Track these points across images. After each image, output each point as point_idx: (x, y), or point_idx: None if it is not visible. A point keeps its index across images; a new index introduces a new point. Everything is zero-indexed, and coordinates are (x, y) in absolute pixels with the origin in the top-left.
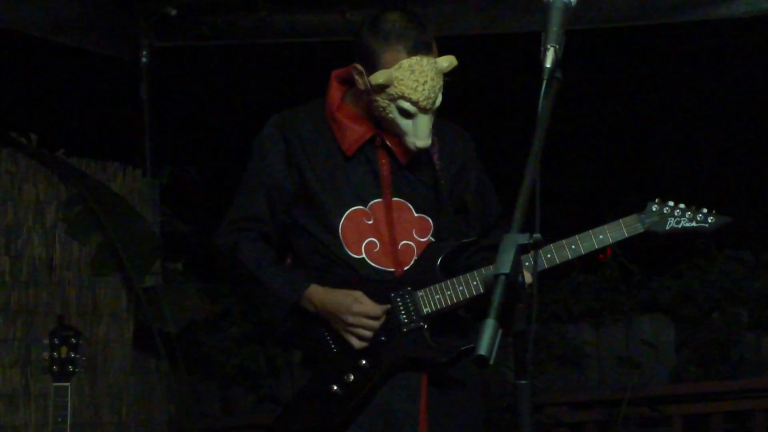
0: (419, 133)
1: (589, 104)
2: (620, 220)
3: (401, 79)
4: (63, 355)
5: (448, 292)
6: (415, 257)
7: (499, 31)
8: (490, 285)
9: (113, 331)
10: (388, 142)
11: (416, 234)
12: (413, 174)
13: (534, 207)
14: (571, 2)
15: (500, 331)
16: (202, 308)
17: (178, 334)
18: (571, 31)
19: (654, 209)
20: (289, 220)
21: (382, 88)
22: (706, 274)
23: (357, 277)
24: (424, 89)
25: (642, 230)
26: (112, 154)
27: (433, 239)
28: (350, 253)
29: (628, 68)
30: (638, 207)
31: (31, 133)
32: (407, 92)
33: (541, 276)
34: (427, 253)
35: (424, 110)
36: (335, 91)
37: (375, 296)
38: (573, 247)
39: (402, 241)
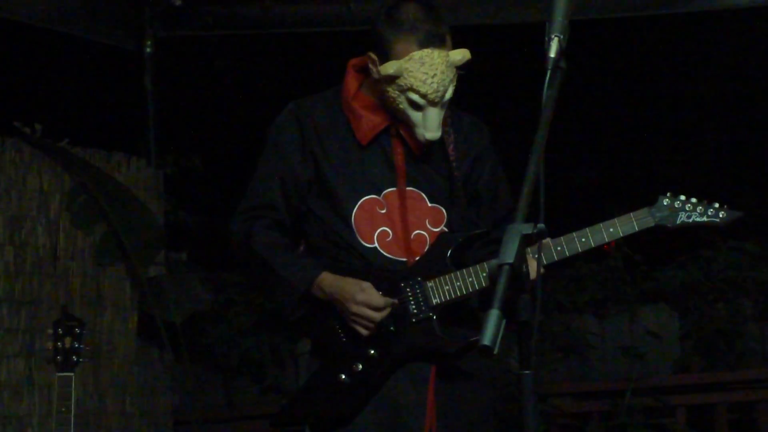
0: (429, 125)
1: (594, 94)
2: (631, 214)
3: (411, 71)
4: (67, 345)
5: (458, 283)
6: (427, 247)
7: (503, 21)
8: (494, 274)
9: (117, 321)
10: (402, 132)
11: (429, 224)
12: (428, 164)
13: (538, 197)
14: None
15: (504, 321)
16: (205, 298)
17: (182, 324)
18: (576, 21)
19: (665, 203)
20: (303, 207)
21: (392, 79)
22: (711, 264)
23: (368, 266)
24: (433, 82)
25: (653, 224)
26: (117, 144)
27: (446, 229)
28: (363, 242)
29: (633, 58)
30: (643, 196)
31: (35, 122)
32: (416, 84)
33: (546, 266)
34: (438, 243)
35: (432, 103)
36: (351, 80)
37: (385, 286)
38: (583, 240)
39: (415, 230)
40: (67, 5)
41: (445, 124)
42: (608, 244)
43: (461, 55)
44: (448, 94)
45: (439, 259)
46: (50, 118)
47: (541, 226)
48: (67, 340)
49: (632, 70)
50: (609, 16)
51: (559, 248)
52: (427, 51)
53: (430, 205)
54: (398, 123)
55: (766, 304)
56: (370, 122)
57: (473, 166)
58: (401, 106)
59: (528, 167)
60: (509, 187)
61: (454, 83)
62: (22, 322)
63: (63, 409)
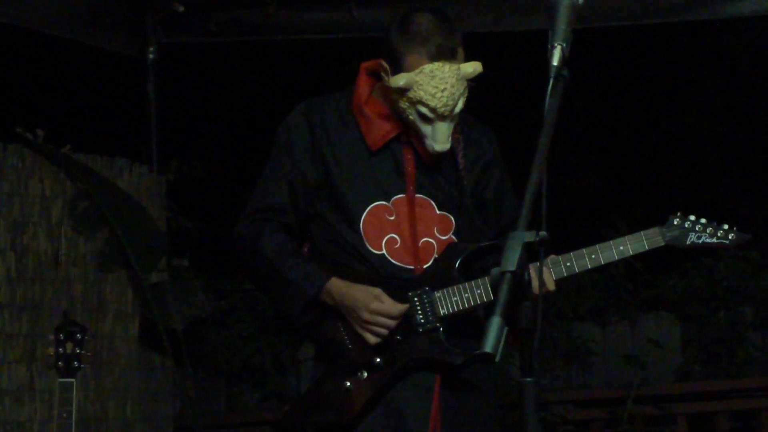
0: (438, 137)
1: (596, 103)
2: (641, 233)
3: (421, 85)
4: (68, 351)
5: (466, 295)
6: (435, 255)
7: (506, 29)
8: (496, 283)
9: (119, 327)
10: (413, 141)
11: (438, 232)
12: (437, 172)
13: (540, 204)
14: (578, 0)
15: (506, 329)
16: (207, 304)
17: (183, 330)
18: (578, 30)
19: (675, 223)
20: (311, 210)
21: (402, 91)
22: (713, 272)
23: (375, 273)
24: (442, 96)
25: (663, 244)
26: (119, 150)
27: (454, 237)
28: (370, 248)
29: (636, 67)
30: (646, 205)
31: (37, 128)
32: (425, 98)
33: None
34: (447, 253)
35: (441, 117)
36: (364, 84)
37: (393, 294)
38: (593, 256)
39: (423, 238)
40: (70, 11)
41: (454, 131)
42: None
43: (473, 68)
44: (458, 108)
45: (447, 270)
46: (52, 123)
47: (543, 233)
48: (69, 346)
49: (634, 78)
50: (611, 24)
51: (568, 264)
52: (437, 64)
53: (438, 212)
54: (409, 131)
55: (767, 312)
56: (381, 129)
57: (482, 175)
58: (411, 118)
59: (530, 175)
60: (515, 196)
61: (465, 96)
62: (24, 328)
63: (64, 415)
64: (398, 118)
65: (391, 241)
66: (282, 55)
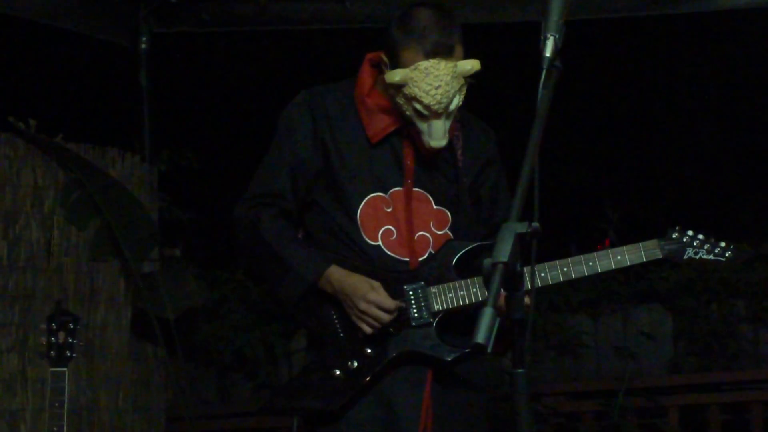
0: (433, 134)
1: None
2: (640, 244)
3: (416, 81)
4: (60, 341)
5: (461, 292)
6: (430, 249)
7: (499, 20)
8: (488, 273)
9: (111, 317)
10: (413, 135)
11: (433, 226)
12: (436, 167)
13: (533, 196)
14: None
15: (498, 320)
16: (199, 295)
17: (175, 320)
18: (571, 21)
19: (674, 236)
20: (309, 198)
21: (398, 86)
22: (704, 265)
23: (370, 264)
24: (436, 93)
25: (660, 256)
26: (111, 139)
27: (450, 233)
28: (367, 239)
29: (629, 58)
30: (638, 197)
31: (30, 118)
32: (420, 95)
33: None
34: (444, 250)
35: (436, 114)
36: (367, 75)
37: (388, 287)
38: (591, 264)
39: (419, 231)
40: (63, 1)
41: (454, 128)
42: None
43: (470, 65)
44: (454, 105)
45: (444, 266)
46: (45, 113)
47: (535, 224)
48: (61, 336)
49: (627, 70)
50: (604, 16)
51: (565, 269)
52: (433, 62)
53: (435, 207)
54: (409, 126)
55: (759, 305)
56: (381, 122)
57: (480, 173)
58: (408, 113)
59: (523, 166)
60: (510, 196)
61: (463, 93)
62: (16, 317)
63: (56, 404)
64: (398, 112)
65: (387, 232)
66: (274, 46)
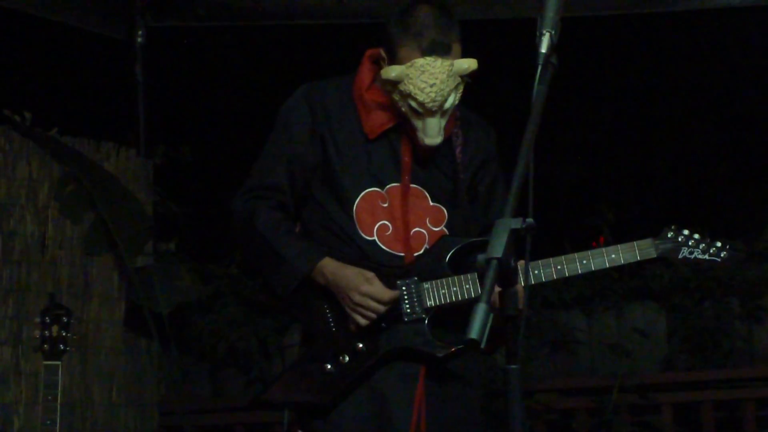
0: (428, 131)
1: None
2: (634, 243)
3: (411, 78)
4: (54, 334)
5: (454, 289)
6: (426, 245)
7: (495, 16)
8: (482, 269)
9: (104, 311)
10: (410, 131)
11: (429, 223)
12: (434, 164)
13: (527, 192)
14: None
15: (492, 316)
16: (193, 289)
17: (169, 314)
18: (567, 18)
19: (669, 236)
20: (306, 192)
21: (394, 83)
22: (699, 264)
23: (365, 259)
24: (431, 91)
25: (655, 255)
26: (106, 133)
27: (446, 230)
28: (362, 234)
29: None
30: (633, 194)
31: (25, 111)
32: (414, 92)
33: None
34: (439, 245)
35: (430, 112)
36: (366, 71)
37: (382, 281)
38: (584, 262)
39: (414, 227)
40: None
41: (454, 126)
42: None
43: (467, 64)
44: (449, 103)
45: (437, 262)
46: (40, 106)
47: (529, 220)
48: (55, 329)
49: (623, 67)
50: (600, 14)
51: (559, 267)
52: (429, 59)
53: (432, 204)
54: (406, 122)
55: (753, 303)
56: (379, 118)
57: (478, 171)
58: (404, 110)
59: (518, 162)
60: (506, 193)
61: (459, 91)
62: (10, 311)
63: (49, 398)
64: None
65: (383, 227)
66: (270, 41)
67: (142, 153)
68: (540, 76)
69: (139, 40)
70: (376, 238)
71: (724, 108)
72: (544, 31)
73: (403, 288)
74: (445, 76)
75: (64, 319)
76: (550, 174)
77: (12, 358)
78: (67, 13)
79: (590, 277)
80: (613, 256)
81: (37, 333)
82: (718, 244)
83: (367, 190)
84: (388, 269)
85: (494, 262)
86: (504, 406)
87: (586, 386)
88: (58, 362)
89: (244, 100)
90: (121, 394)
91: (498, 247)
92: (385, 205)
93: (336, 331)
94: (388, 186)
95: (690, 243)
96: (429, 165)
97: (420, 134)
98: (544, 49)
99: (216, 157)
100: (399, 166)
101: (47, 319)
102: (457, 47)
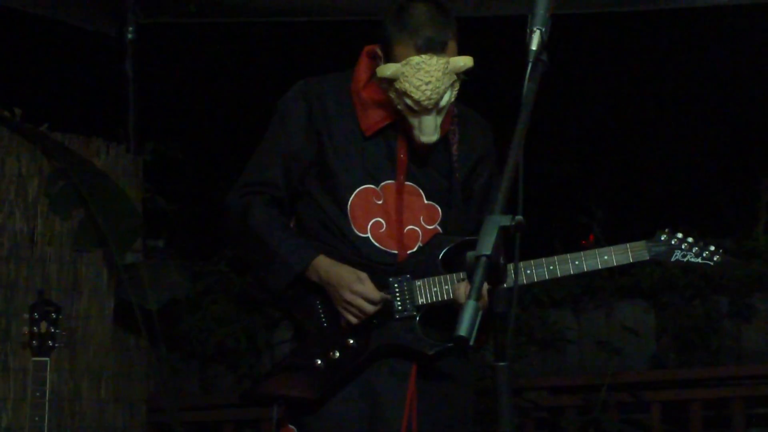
0: (423, 129)
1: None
2: (627, 245)
3: (406, 76)
4: (43, 330)
5: (446, 287)
6: (419, 243)
7: (486, 14)
8: (471, 266)
9: (93, 307)
10: (406, 129)
11: (423, 221)
12: (429, 161)
13: (517, 189)
14: None
15: (481, 313)
16: (182, 286)
17: (158, 311)
18: (558, 15)
19: (662, 238)
20: (301, 188)
21: (390, 81)
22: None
23: (358, 256)
24: (426, 89)
25: (647, 258)
26: (96, 129)
27: (440, 228)
28: (356, 231)
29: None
30: (623, 193)
31: (15, 107)
32: (410, 90)
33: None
34: (432, 243)
35: (426, 110)
36: (364, 68)
37: (374, 279)
38: (576, 263)
39: (408, 225)
40: None
41: (450, 122)
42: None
43: (463, 62)
44: (445, 101)
45: (430, 260)
46: (30, 102)
47: (519, 218)
48: (43, 325)
49: (613, 65)
50: (591, 11)
51: (551, 267)
52: (425, 57)
53: (426, 202)
54: (403, 119)
55: (741, 301)
56: (375, 115)
57: (474, 169)
58: (400, 107)
59: (508, 159)
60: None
61: (455, 89)
62: None
63: (38, 394)
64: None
65: (377, 225)
66: (262, 38)
67: (132, 149)
68: (530, 73)
69: (130, 36)
70: (369, 235)
71: (713, 107)
72: (535, 29)
73: (395, 285)
74: (440, 73)
75: (53, 315)
76: (540, 171)
77: (0, 355)
78: (57, 9)
79: (580, 274)
80: (606, 257)
81: (25, 329)
82: (712, 247)
83: (361, 187)
84: (381, 266)
85: (483, 259)
86: (493, 404)
87: (575, 384)
88: (47, 359)
89: (235, 97)
90: (109, 390)
91: (487, 244)
92: (380, 202)
93: (327, 327)
94: (382, 183)
95: (683, 246)
96: (424, 163)
97: (416, 132)
98: (534, 47)
99: (206, 154)
100: (394, 163)
101: (36, 316)
102: (453, 45)
